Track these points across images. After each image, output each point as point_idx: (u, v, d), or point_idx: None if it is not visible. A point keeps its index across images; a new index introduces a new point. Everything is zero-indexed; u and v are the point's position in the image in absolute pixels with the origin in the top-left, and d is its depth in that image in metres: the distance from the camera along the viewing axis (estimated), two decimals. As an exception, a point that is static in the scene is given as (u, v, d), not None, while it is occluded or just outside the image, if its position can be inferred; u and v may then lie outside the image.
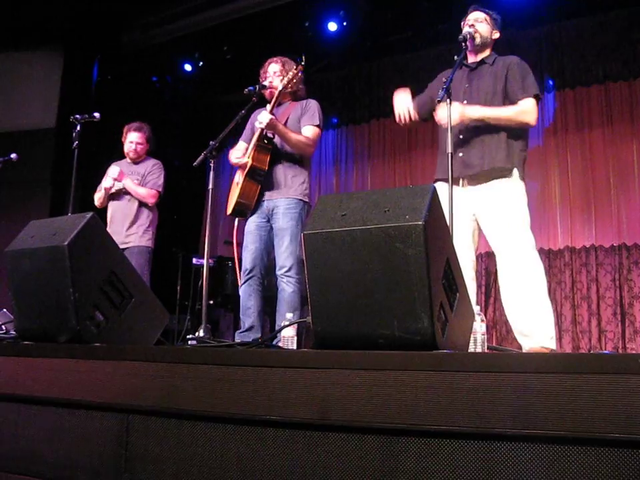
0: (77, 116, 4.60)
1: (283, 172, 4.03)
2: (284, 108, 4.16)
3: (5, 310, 4.25)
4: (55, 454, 2.16)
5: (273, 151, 4.01)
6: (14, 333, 2.83)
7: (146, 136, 5.12)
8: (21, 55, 7.39)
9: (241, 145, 4.31)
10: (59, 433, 2.17)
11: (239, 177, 4.09)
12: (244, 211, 4.05)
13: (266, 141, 4.00)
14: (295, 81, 3.97)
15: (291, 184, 4.01)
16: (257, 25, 7.06)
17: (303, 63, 3.93)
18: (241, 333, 3.94)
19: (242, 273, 4.05)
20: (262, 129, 3.93)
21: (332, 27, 7.25)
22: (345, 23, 7.20)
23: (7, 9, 6.65)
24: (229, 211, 4.11)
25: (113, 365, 2.08)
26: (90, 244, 2.47)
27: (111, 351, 2.19)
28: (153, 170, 5.03)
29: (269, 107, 3.99)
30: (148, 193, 4.91)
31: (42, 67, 7.40)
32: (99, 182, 5.06)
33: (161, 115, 7.92)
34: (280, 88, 3.88)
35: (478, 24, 3.61)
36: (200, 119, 8.67)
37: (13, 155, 5.03)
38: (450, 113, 3.22)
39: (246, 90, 3.97)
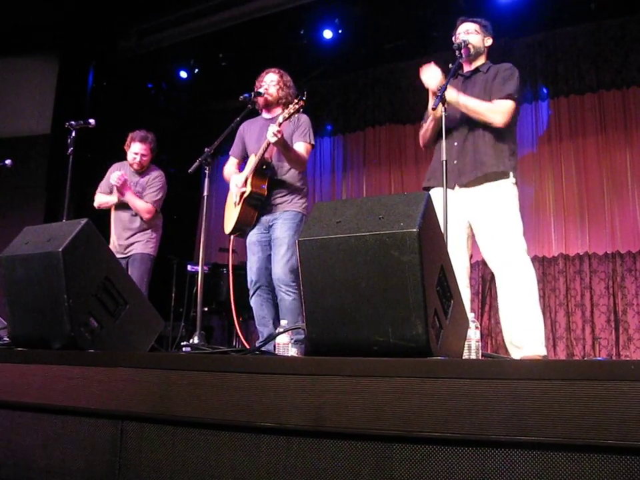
0: (72, 122, 4.58)
1: (282, 187, 4.06)
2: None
3: (-2, 316, 4.24)
4: (48, 461, 2.15)
5: (270, 175, 4.03)
6: (8, 339, 2.82)
7: (151, 147, 5.02)
8: (16, 61, 7.39)
9: (232, 160, 4.32)
10: (53, 440, 2.16)
11: (235, 197, 4.10)
12: (243, 231, 4.13)
13: (264, 167, 4.01)
14: (294, 113, 3.91)
15: (290, 199, 4.04)
16: (252, 33, 7.07)
17: (304, 98, 3.91)
18: (259, 342, 3.93)
19: (248, 284, 4.09)
20: (263, 154, 3.93)
21: (327, 34, 7.26)
22: (340, 31, 7.21)
23: (2, 15, 6.65)
24: (228, 230, 4.14)
25: (107, 371, 2.08)
26: (85, 250, 2.47)
27: (105, 357, 2.19)
28: (153, 183, 4.96)
29: (279, 120, 3.90)
30: (145, 208, 4.84)
31: (37, 73, 7.40)
32: (95, 187, 5.05)
33: (155, 122, 7.91)
34: (280, 120, 3.85)
35: (469, 36, 3.62)
36: (195, 125, 8.67)
37: (8, 161, 5.00)
38: (444, 123, 3.23)
39: (241, 97, 3.97)
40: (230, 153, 4.38)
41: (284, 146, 3.89)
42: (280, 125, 3.83)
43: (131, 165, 5.00)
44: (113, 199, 4.90)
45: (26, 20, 6.87)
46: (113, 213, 4.96)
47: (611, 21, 6.75)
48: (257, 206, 4.03)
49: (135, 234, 4.85)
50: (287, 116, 3.86)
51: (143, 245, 4.84)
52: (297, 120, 4.12)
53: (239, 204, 4.03)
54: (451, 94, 3.38)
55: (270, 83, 4.17)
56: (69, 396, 2.13)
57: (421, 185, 3.72)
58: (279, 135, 3.77)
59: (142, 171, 5.03)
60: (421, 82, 3.57)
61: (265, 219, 4.05)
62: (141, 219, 4.86)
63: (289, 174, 4.08)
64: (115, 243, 4.86)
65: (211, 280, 6.40)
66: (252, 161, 4.05)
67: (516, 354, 3.27)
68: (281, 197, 4.04)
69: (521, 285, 3.28)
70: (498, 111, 3.42)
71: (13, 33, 7.01)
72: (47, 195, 6.97)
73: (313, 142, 4.13)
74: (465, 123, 3.52)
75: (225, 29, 7.13)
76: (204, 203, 3.77)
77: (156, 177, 5.01)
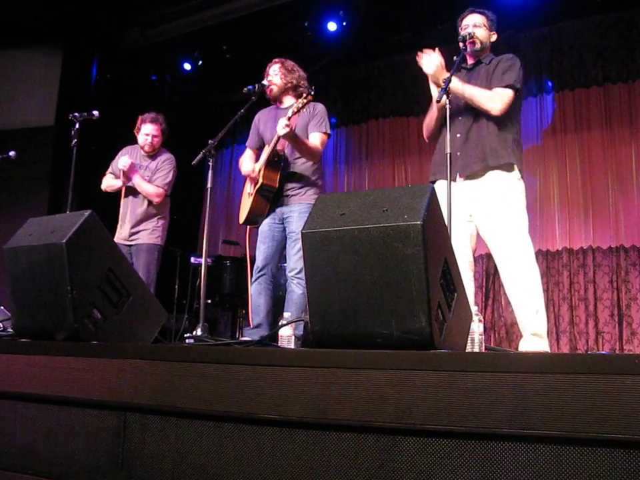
0: (76, 114, 4.57)
1: (297, 179, 4.06)
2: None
3: (2, 307, 4.24)
4: (52, 451, 2.16)
5: (283, 167, 4.02)
6: (11, 330, 2.82)
7: (162, 128, 4.97)
8: (20, 53, 7.38)
9: (248, 152, 4.33)
10: (56, 431, 2.17)
11: (250, 188, 4.12)
12: (256, 221, 4.13)
13: (276, 159, 4.01)
14: (302, 108, 3.91)
15: (304, 192, 4.04)
16: (256, 25, 7.05)
17: (312, 93, 3.90)
18: (249, 330, 3.96)
19: (254, 270, 4.09)
20: (274, 147, 3.94)
21: (331, 26, 7.23)
22: (344, 23, 7.18)
23: (6, 6, 6.64)
24: (241, 220, 4.18)
25: (111, 363, 2.08)
26: (88, 242, 2.47)
27: (108, 349, 2.19)
28: (163, 167, 4.91)
29: (288, 114, 3.89)
30: (155, 192, 4.80)
31: (41, 65, 7.39)
32: (99, 178, 5.04)
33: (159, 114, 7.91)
34: (290, 114, 3.85)
35: (476, 29, 3.61)
36: (199, 118, 8.66)
37: (12, 153, 5.00)
38: (449, 115, 3.22)
39: (245, 89, 3.96)
40: (246, 144, 4.39)
41: (294, 139, 3.89)
42: (289, 119, 3.82)
43: (142, 147, 4.95)
44: (118, 183, 4.87)
45: (30, 12, 6.86)
46: (122, 199, 4.93)
47: (616, 14, 6.71)
48: (269, 197, 4.04)
49: (141, 222, 4.81)
50: (295, 110, 3.87)
51: (149, 234, 4.80)
52: (313, 109, 4.11)
53: (252, 195, 4.04)
54: (455, 82, 3.37)
55: (273, 73, 4.17)
56: (72, 387, 2.14)
57: (425, 177, 3.72)
58: (288, 129, 3.76)
59: (153, 154, 4.97)
60: (423, 73, 3.56)
61: (280, 210, 4.06)
62: (149, 203, 4.82)
63: (303, 166, 4.08)
64: (119, 229, 4.86)
65: (215, 272, 6.40)
66: (265, 152, 4.06)
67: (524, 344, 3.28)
68: (296, 189, 4.04)
69: (524, 284, 3.28)
70: (495, 99, 3.42)
71: (17, 25, 7.00)
72: (51, 186, 6.97)
73: (329, 131, 4.13)
74: (468, 114, 3.51)
75: (229, 20, 7.10)
76: (207, 195, 3.76)
77: (165, 160, 4.95)
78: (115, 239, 4.73)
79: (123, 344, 2.42)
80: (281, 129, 3.76)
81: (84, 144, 4.72)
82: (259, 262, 4.07)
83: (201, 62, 8.11)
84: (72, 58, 7.33)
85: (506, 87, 3.43)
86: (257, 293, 4.04)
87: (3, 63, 7.37)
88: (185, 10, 7.18)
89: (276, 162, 4.02)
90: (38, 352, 2.30)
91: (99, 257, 2.51)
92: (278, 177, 4.01)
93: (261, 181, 3.98)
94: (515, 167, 3.43)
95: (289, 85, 4.15)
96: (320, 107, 4.15)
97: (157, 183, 4.86)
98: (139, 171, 4.85)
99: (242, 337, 4.25)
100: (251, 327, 4.01)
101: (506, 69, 3.51)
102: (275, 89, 4.14)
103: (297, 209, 4.00)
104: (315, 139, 4.04)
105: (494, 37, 3.70)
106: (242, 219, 4.17)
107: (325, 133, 4.09)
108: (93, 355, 2.15)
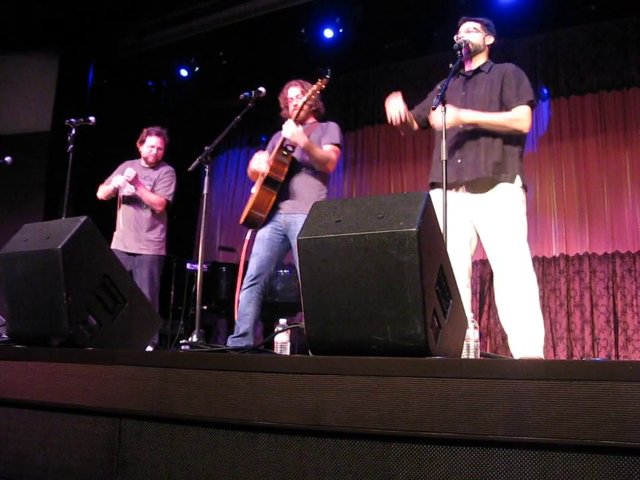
0: (72, 120, 4.58)
1: (303, 186, 4.04)
2: (306, 127, 4.15)
3: (-3, 313, 4.24)
4: (46, 458, 2.15)
5: (292, 165, 4.02)
6: (6, 336, 2.82)
7: (165, 141, 5.12)
8: (16, 58, 7.39)
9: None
10: (51, 437, 2.16)
11: (255, 188, 4.10)
12: (256, 222, 4.05)
13: (285, 153, 4.00)
14: (319, 92, 3.97)
15: (311, 198, 3.99)
16: (253, 31, 7.07)
17: (328, 76, 3.93)
18: (234, 337, 3.93)
19: (246, 278, 4.02)
20: (283, 140, 3.94)
21: (328, 33, 7.26)
22: (340, 30, 7.21)
23: (3, 12, 6.65)
24: (242, 220, 4.11)
25: (106, 369, 2.08)
26: (84, 248, 2.47)
27: (103, 355, 2.19)
28: (165, 178, 5.01)
29: (307, 94, 4.00)
30: (157, 200, 4.89)
31: (38, 71, 7.40)
32: (95, 184, 5.04)
33: (156, 120, 7.88)
34: (304, 99, 3.92)
35: (469, 34, 3.61)
36: (195, 124, 8.67)
37: (8, 158, 5.01)
38: (445, 118, 3.21)
39: (241, 95, 3.96)
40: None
41: (299, 139, 3.91)
42: (299, 112, 4.00)
43: (146, 159, 5.05)
44: (111, 186, 4.92)
45: (27, 17, 6.87)
46: (120, 208, 4.96)
47: (611, 22, 6.76)
48: (274, 192, 3.99)
49: (147, 231, 4.88)
50: (310, 93, 3.98)
51: (154, 245, 4.89)
52: (327, 125, 4.18)
53: (256, 193, 4.02)
54: (472, 115, 3.39)
55: (296, 97, 4.18)
56: (67, 393, 2.13)
57: (421, 183, 3.72)
58: (292, 131, 3.86)
59: (155, 165, 5.07)
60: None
61: (283, 219, 4.00)
62: (152, 212, 4.89)
63: (311, 168, 4.07)
64: (120, 237, 4.87)
65: (211, 278, 6.41)
66: (275, 148, 4.07)
67: (517, 352, 3.27)
68: (302, 192, 4.02)
69: (522, 293, 3.27)
70: (520, 118, 3.40)
71: (14, 30, 7.01)
72: (47, 192, 6.97)
73: (340, 143, 4.16)
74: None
75: (225, 27, 7.13)
76: (204, 202, 3.76)
77: (167, 172, 5.06)
78: (114, 247, 4.76)
79: (118, 350, 2.41)
80: (285, 132, 3.86)
81: (80, 150, 4.72)
82: (252, 270, 3.99)
83: (197, 68, 8.13)
84: (68, 63, 7.35)
85: (526, 103, 3.44)
86: (246, 301, 3.96)
87: (0, 68, 7.38)
88: (182, 16, 7.20)
89: (285, 156, 4.01)
90: (33, 358, 2.29)
91: (94, 263, 2.51)
92: (285, 170, 3.99)
93: (267, 171, 3.95)
94: (519, 176, 3.43)
95: (314, 107, 4.19)
96: (333, 124, 4.21)
97: (159, 192, 4.95)
98: (141, 180, 4.92)
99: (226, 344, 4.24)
100: (235, 334, 3.97)
101: (517, 84, 3.48)
102: (302, 114, 4.15)
103: (302, 220, 3.94)
104: (327, 149, 4.07)
105: (490, 40, 3.68)
106: (242, 218, 4.10)
107: (337, 145, 4.11)
108: (88, 361, 2.15)
